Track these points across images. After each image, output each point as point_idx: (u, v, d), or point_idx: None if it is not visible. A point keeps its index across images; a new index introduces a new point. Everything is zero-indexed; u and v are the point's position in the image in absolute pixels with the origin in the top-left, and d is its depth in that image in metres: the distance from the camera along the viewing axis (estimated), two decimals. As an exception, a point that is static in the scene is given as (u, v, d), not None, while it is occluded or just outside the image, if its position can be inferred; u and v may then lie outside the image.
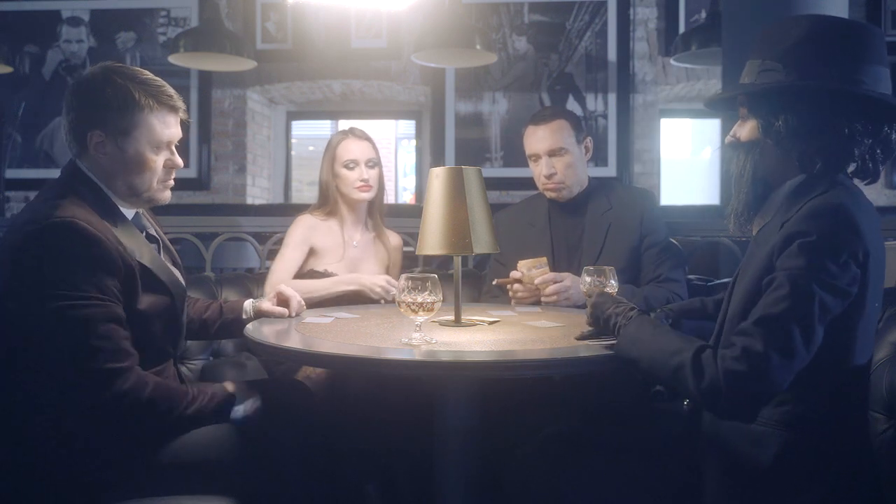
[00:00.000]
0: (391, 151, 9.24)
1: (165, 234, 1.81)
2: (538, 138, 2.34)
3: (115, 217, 1.58)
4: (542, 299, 2.15)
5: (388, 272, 2.55)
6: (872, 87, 1.35)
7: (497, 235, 1.89)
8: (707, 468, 1.45)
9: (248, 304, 2.01)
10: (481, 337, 1.68)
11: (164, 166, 1.64)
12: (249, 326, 1.83)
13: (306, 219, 2.48)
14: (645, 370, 1.39)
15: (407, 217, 2.90)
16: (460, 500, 1.70)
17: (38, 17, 4.86)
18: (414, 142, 5.97)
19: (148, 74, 1.62)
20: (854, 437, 1.35)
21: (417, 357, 1.47)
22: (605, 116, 4.69)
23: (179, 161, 1.67)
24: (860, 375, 1.36)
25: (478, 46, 3.34)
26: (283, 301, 2.01)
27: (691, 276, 2.50)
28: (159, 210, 1.76)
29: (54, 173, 1.70)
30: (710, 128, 6.06)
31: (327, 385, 2.11)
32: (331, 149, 2.49)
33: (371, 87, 5.04)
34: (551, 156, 2.33)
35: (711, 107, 1.62)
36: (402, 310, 1.59)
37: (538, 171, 2.36)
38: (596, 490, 1.54)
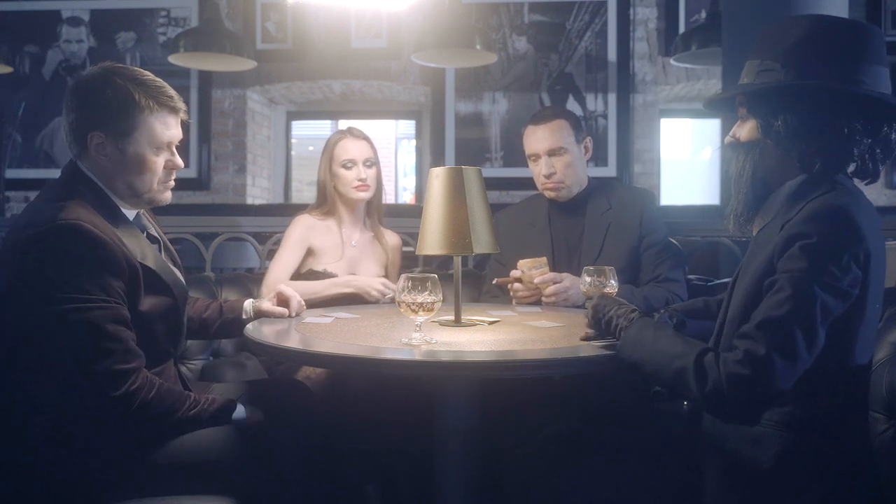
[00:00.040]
0: (391, 151, 9.24)
1: (165, 234, 1.81)
2: (538, 138, 2.34)
3: (117, 218, 1.58)
4: (542, 299, 2.15)
5: (386, 272, 2.55)
6: (872, 87, 1.35)
7: (497, 235, 1.89)
8: (707, 468, 1.45)
9: (248, 303, 2.01)
10: (481, 337, 1.68)
11: (164, 167, 1.64)
12: (249, 326, 1.83)
13: (304, 219, 2.48)
14: (647, 373, 1.39)
15: (407, 217, 2.90)
16: (460, 500, 1.70)
17: (38, 17, 4.86)
18: (414, 142, 5.97)
19: (148, 75, 1.62)
20: (854, 438, 1.35)
21: (417, 357, 1.47)
22: (605, 116, 4.70)
23: (180, 162, 1.67)
24: (861, 376, 1.36)
25: (478, 46, 3.34)
26: (283, 301, 2.01)
27: (691, 276, 2.50)
28: (159, 210, 1.76)
29: (54, 173, 1.70)
30: (710, 128, 6.05)
31: (327, 385, 2.11)
32: (329, 148, 2.50)
33: (371, 87, 5.04)
34: (551, 155, 2.33)
35: (710, 107, 1.62)
36: (402, 310, 1.59)
37: (537, 170, 2.36)
38: (596, 490, 1.54)
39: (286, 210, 2.68)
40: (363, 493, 2.09)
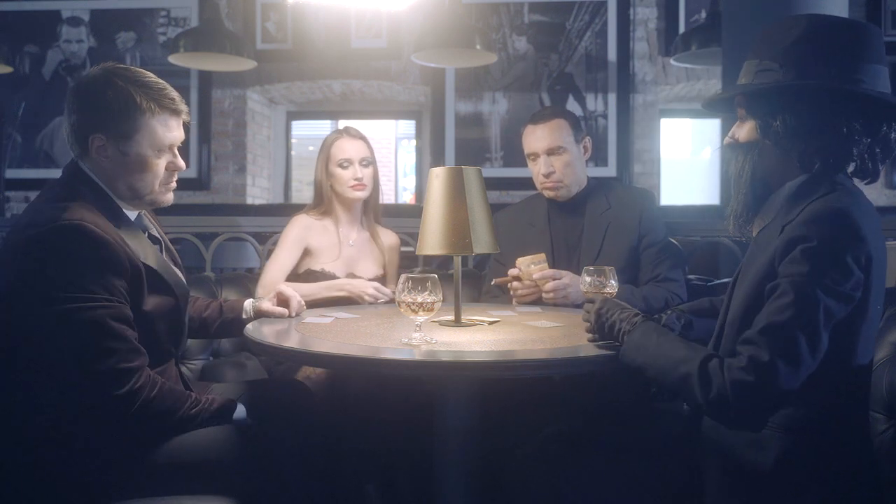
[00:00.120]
0: (391, 151, 9.24)
1: (166, 233, 1.81)
2: (537, 137, 2.35)
3: (119, 218, 1.58)
4: (543, 296, 2.15)
5: (384, 271, 2.55)
6: (871, 86, 1.34)
7: (497, 235, 1.89)
8: (707, 469, 1.45)
9: (248, 303, 2.01)
10: (481, 337, 1.68)
11: (166, 169, 1.64)
12: (249, 326, 1.83)
13: (302, 219, 2.49)
14: (650, 378, 1.39)
15: (407, 217, 2.91)
16: (460, 500, 1.70)
17: (38, 17, 4.86)
18: (414, 142, 5.97)
19: (150, 77, 1.62)
20: (855, 439, 1.35)
21: (417, 357, 1.47)
22: (605, 116, 4.70)
23: (182, 163, 1.67)
24: (861, 378, 1.36)
25: (478, 46, 3.34)
26: (283, 301, 2.01)
27: (691, 276, 2.50)
28: (159, 210, 1.76)
29: (54, 173, 1.70)
30: (710, 128, 6.05)
31: (327, 385, 2.11)
32: (325, 148, 2.50)
33: (371, 87, 5.04)
34: (550, 155, 2.33)
35: (710, 108, 1.61)
36: (402, 310, 1.59)
37: (536, 170, 2.37)
38: (596, 490, 1.54)
39: (286, 210, 2.68)
40: (363, 493, 2.09)
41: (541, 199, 2.45)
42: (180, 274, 1.73)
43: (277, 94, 5.12)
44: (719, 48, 3.11)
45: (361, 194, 2.47)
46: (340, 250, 2.47)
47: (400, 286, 1.58)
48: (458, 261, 1.87)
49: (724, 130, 1.58)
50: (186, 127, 1.68)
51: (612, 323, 1.48)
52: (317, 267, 2.43)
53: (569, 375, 1.91)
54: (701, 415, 1.47)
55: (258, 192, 5.12)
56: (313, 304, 2.30)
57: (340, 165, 2.46)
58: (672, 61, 4.22)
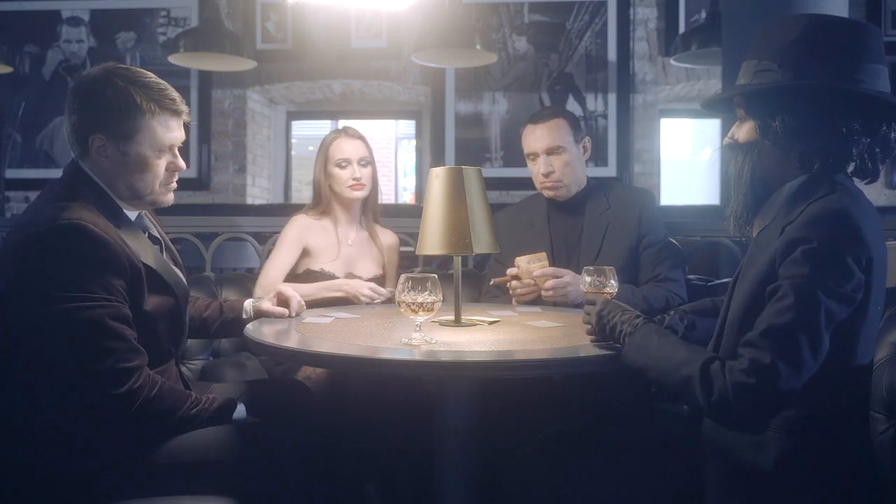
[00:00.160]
0: (391, 151, 9.24)
1: (166, 233, 1.81)
2: (536, 137, 2.35)
3: (119, 219, 1.59)
4: (542, 293, 2.15)
5: (383, 271, 2.56)
6: (871, 86, 1.34)
7: (496, 235, 1.89)
8: (708, 469, 1.45)
9: (249, 303, 2.01)
10: (481, 337, 1.68)
11: (166, 169, 1.64)
12: (249, 326, 1.83)
13: (300, 219, 2.49)
14: (651, 380, 1.39)
15: (407, 217, 2.91)
16: (460, 500, 1.70)
17: (38, 17, 4.86)
18: (414, 142, 5.97)
19: (150, 77, 1.62)
20: (855, 439, 1.35)
21: (417, 357, 1.47)
22: (605, 116, 4.70)
23: (182, 164, 1.67)
24: (862, 379, 1.36)
25: (478, 46, 3.34)
26: (283, 301, 2.01)
27: (691, 276, 2.50)
28: (159, 210, 1.76)
29: (54, 173, 1.70)
30: (710, 128, 6.06)
31: (327, 385, 2.11)
32: (324, 148, 2.50)
33: (371, 87, 5.04)
34: (549, 154, 2.33)
35: (709, 108, 1.61)
36: (402, 310, 1.59)
37: (536, 169, 2.37)
38: (596, 490, 1.54)
39: (286, 210, 2.68)
40: (363, 493, 2.09)
41: (540, 199, 2.45)
42: (180, 274, 1.73)
43: (277, 94, 5.12)
44: (719, 48, 3.11)
45: (360, 194, 2.47)
46: (339, 250, 2.47)
47: (400, 286, 1.58)
48: (458, 261, 1.87)
49: (724, 130, 1.58)
50: (186, 127, 1.68)
51: (613, 325, 1.48)
52: (316, 267, 2.43)
53: (569, 375, 1.91)
54: (701, 415, 1.47)
55: (258, 192, 5.12)
56: (311, 304, 2.30)
57: (339, 165, 2.46)
58: (672, 61, 4.22)
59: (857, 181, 1.42)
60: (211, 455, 1.54)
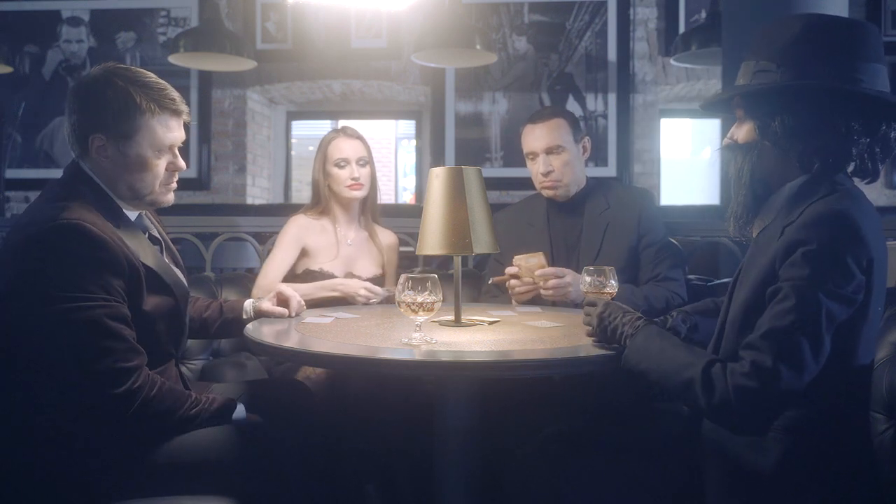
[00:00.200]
0: (391, 151, 9.24)
1: (166, 233, 1.81)
2: (536, 136, 2.35)
3: (119, 219, 1.59)
4: (542, 292, 2.14)
5: (383, 270, 2.56)
6: (870, 85, 1.33)
7: (496, 235, 1.89)
8: (708, 469, 1.45)
9: (249, 303, 2.01)
10: (481, 337, 1.68)
11: (166, 169, 1.64)
12: (249, 326, 1.83)
13: (299, 219, 2.49)
14: (653, 382, 1.39)
15: (407, 217, 2.91)
16: (460, 500, 1.70)
17: (38, 17, 4.86)
18: (414, 142, 5.97)
19: (151, 77, 1.62)
20: (855, 440, 1.35)
21: (417, 357, 1.47)
22: (605, 116, 4.69)
23: (182, 164, 1.67)
24: (862, 379, 1.36)
25: (478, 46, 3.34)
26: (283, 301, 2.01)
27: (691, 276, 2.50)
28: (159, 210, 1.76)
29: (54, 173, 1.70)
30: (710, 128, 6.06)
31: (327, 385, 2.11)
32: (322, 148, 2.51)
33: (371, 87, 5.04)
34: (548, 153, 2.33)
35: (708, 109, 1.60)
36: (402, 310, 1.59)
37: (535, 169, 2.37)
38: (596, 490, 1.54)
39: (286, 210, 2.68)
40: (363, 493, 2.09)
41: (540, 199, 2.45)
42: (180, 274, 1.73)
43: (277, 94, 5.12)
44: (719, 48, 3.11)
45: (358, 194, 2.47)
46: (338, 250, 2.47)
47: (400, 286, 1.58)
48: (458, 261, 1.87)
49: (725, 130, 1.58)
50: (186, 127, 1.68)
51: (614, 326, 1.48)
52: (315, 267, 2.44)
53: (569, 375, 1.91)
54: (702, 416, 1.47)
55: (258, 192, 5.12)
56: (308, 304, 2.30)
57: (337, 165, 2.46)
58: (672, 61, 4.21)
59: (857, 181, 1.41)
60: (211, 455, 1.54)
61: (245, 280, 2.59)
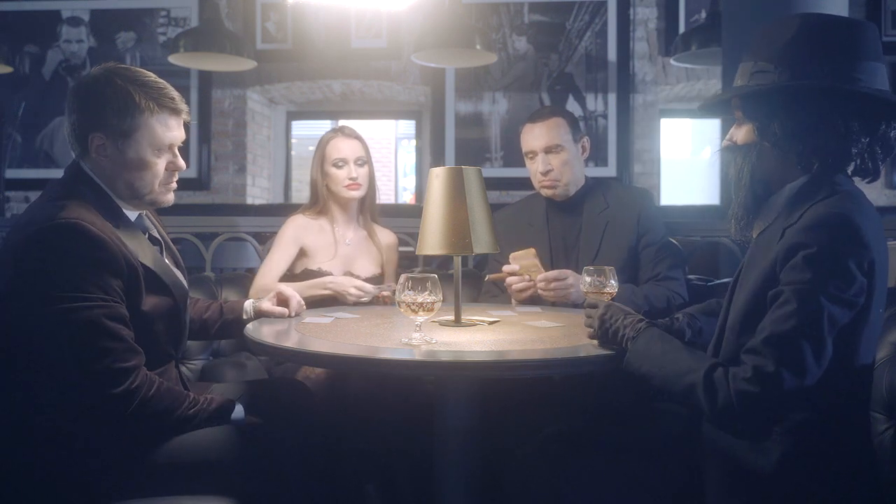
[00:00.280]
0: (391, 151, 9.24)
1: (166, 234, 1.81)
2: (535, 135, 2.35)
3: (118, 219, 1.59)
4: (541, 293, 2.14)
5: (382, 270, 2.56)
6: (869, 84, 1.33)
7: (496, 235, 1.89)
8: (708, 470, 1.45)
9: (249, 304, 2.02)
10: (481, 337, 1.68)
11: (166, 169, 1.64)
12: (249, 326, 1.83)
13: (297, 219, 2.49)
14: (655, 386, 1.39)
15: (407, 217, 2.90)
16: (460, 500, 1.70)
17: (38, 17, 4.86)
18: (414, 142, 5.97)
19: (150, 76, 1.62)
20: (856, 441, 1.35)
21: (417, 357, 1.47)
22: (605, 116, 4.69)
23: (182, 163, 1.67)
24: (863, 381, 1.36)
25: (478, 46, 3.34)
26: (282, 301, 2.01)
27: (691, 276, 2.50)
28: (159, 210, 1.76)
29: (54, 173, 1.71)
30: (710, 128, 6.06)
31: (327, 385, 2.11)
32: (320, 148, 2.51)
33: (371, 87, 5.04)
34: (547, 153, 2.33)
35: (706, 110, 1.59)
36: (402, 310, 1.59)
37: (534, 168, 2.37)
38: (596, 490, 1.54)
39: (286, 210, 2.68)
40: (363, 493, 2.09)
41: (539, 198, 2.45)
42: (180, 275, 1.73)
43: (277, 94, 5.12)
44: (719, 48, 3.11)
45: (356, 194, 2.47)
46: (336, 249, 2.47)
47: (400, 286, 1.58)
48: (458, 261, 1.87)
49: (725, 130, 1.58)
50: (186, 127, 1.68)
51: (615, 329, 1.48)
52: (314, 266, 2.44)
53: (569, 375, 1.91)
54: (700, 415, 1.47)
55: (258, 192, 5.12)
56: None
57: (335, 165, 2.46)
58: (672, 61, 4.21)
59: (857, 180, 1.41)
60: (211, 455, 1.54)
61: (245, 280, 2.59)
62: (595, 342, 1.55)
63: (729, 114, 1.51)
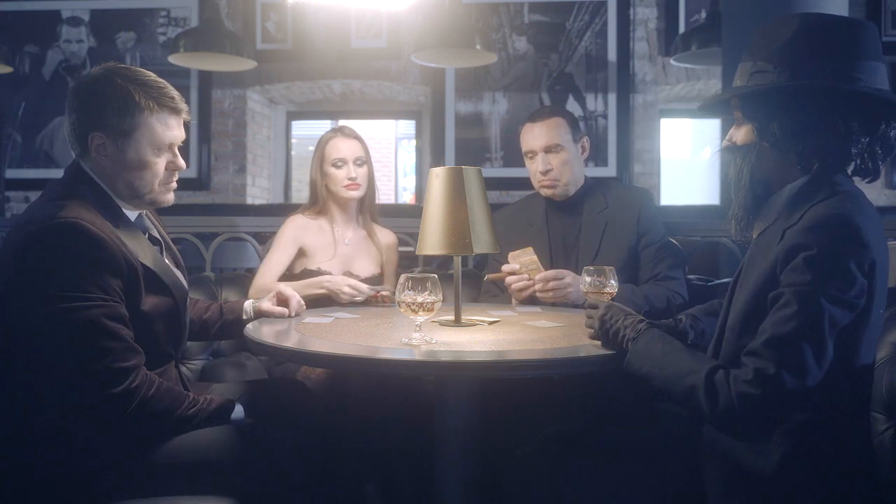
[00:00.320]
0: (391, 151, 9.24)
1: (167, 234, 1.81)
2: (534, 135, 2.35)
3: (118, 218, 1.59)
4: (539, 295, 2.14)
5: (382, 270, 2.56)
6: (869, 84, 1.32)
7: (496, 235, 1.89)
8: (708, 470, 1.45)
9: (249, 304, 2.02)
10: (481, 337, 1.68)
11: (165, 168, 1.64)
12: (249, 326, 1.83)
13: (296, 219, 2.49)
14: (656, 387, 1.38)
15: (407, 217, 2.91)
16: (460, 500, 1.70)
17: (38, 17, 4.86)
18: (414, 142, 5.97)
19: (150, 76, 1.62)
20: (856, 442, 1.35)
21: (417, 357, 1.47)
22: (605, 116, 4.69)
23: (182, 163, 1.67)
24: (863, 381, 1.35)
25: (478, 46, 3.34)
26: (282, 301, 2.01)
27: (691, 276, 2.50)
28: (160, 210, 1.76)
29: (54, 173, 1.71)
30: (710, 128, 6.06)
31: (327, 385, 2.11)
32: (320, 148, 2.51)
33: (371, 87, 5.04)
34: (547, 152, 2.33)
35: (706, 110, 1.59)
36: (402, 310, 1.59)
37: (534, 168, 2.37)
38: (596, 490, 1.54)
39: (286, 210, 2.68)
40: (363, 493, 2.09)
41: (538, 198, 2.45)
42: (180, 275, 1.73)
43: (277, 94, 5.12)
44: (719, 48, 3.11)
45: (356, 194, 2.47)
46: (336, 249, 2.47)
47: (400, 286, 1.58)
48: (458, 261, 1.87)
49: (724, 130, 1.57)
50: (186, 127, 1.68)
51: (615, 330, 1.47)
52: (313, 266, 2.44)
53: (569, 375, 1.91)
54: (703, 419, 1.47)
55: (258, 192, 5.12)
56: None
57: (335, 165, 2.46)
58: (672, 61, 4.22)
59: (857, 180, 1.41)
60: (211, 455, 1.54)
61: (245, 280, 2.59)
62: (596, 342, 1.55)
63: (729, 114, 1.51)
